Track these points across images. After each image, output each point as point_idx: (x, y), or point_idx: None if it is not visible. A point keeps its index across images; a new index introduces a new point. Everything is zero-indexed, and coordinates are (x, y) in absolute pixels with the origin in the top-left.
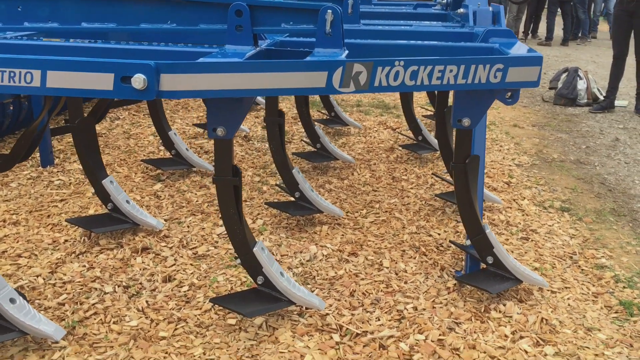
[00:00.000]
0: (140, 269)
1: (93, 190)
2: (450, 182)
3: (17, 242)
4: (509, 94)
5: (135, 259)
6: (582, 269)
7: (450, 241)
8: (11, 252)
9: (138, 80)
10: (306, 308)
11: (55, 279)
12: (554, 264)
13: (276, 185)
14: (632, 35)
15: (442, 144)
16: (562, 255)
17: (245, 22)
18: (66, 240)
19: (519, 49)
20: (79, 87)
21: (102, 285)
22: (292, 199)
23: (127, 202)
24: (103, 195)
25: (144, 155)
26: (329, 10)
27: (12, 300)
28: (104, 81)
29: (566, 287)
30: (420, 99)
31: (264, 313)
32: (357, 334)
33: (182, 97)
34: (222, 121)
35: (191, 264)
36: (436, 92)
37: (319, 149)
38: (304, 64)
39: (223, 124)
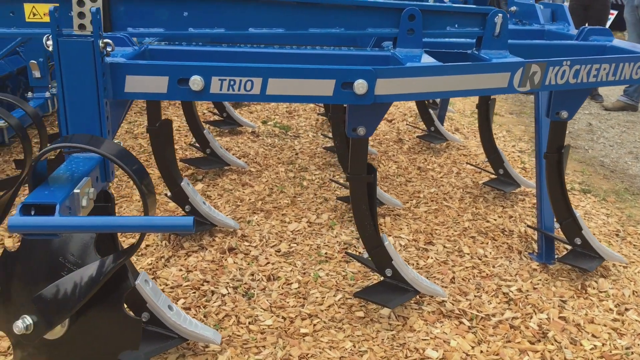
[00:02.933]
0: (237, 269)
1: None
2: (487, 170)
3: None
4: None
5: (226, 259)
6: (634, 244)
7: (528, 226)
8: None
9: (361, 86)
10: (421, 296)
11: (162, 284)
12: (609, 242)
13: (331, 180)
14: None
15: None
16: (609, 234)
17: (417, 26)
18: (148, 245)
19: (633, 46)
20: (298, 94)
21: (216, 287)
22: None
23: (204, 203)
24: (180, 197)
25: None
26: (499, 14)
27: (170, 308)
28: (324, 87)
29: (631, 262)
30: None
31: (400, 303)
32: (482, 318)
33: (392, 101)
34: (363, 122)
35: (285, 262)
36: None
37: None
38: (492, 66)
39: (364, 124)
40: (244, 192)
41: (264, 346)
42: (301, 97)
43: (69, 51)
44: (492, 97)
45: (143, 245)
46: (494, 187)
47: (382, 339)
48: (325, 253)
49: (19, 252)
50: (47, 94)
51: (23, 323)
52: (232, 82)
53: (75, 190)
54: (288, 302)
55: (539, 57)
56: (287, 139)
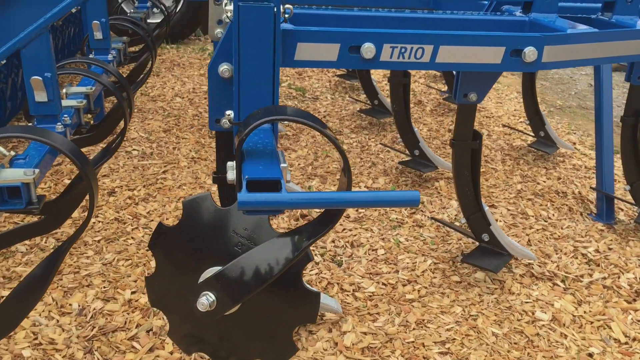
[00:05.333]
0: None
1: None
2: (521, 131)
3: None
4: None
5: None
6: None
7: (591, 187)
8: None
9: (531, 54)
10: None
11: None
12: None
13: (382, 144)
14: None
15: None
16: None
17: None
18: None
19: None
20: (466, 62)
21: None
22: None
23: None
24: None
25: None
26: None
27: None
28: (493, 55)
29: None
30: None
31: (502, 268)
32: (572, 279)
33: (555, 68)
34: (475, 88)
35: (360, 228)
36: None
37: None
38: None
39: (476, 91)
40: (289, 156)
41: (378, 313)
42: (469, 64)
43: (249, 17)
44: None
45: None
46: (538, 149)
47: (488, 303)
48: (396, 218)
49: (180, 227)
50: (110, 57)
51: (207, 300)
52: (403, 50)
53: (283, 165)
54: (381, 269)
55: None
56: (307, 101)
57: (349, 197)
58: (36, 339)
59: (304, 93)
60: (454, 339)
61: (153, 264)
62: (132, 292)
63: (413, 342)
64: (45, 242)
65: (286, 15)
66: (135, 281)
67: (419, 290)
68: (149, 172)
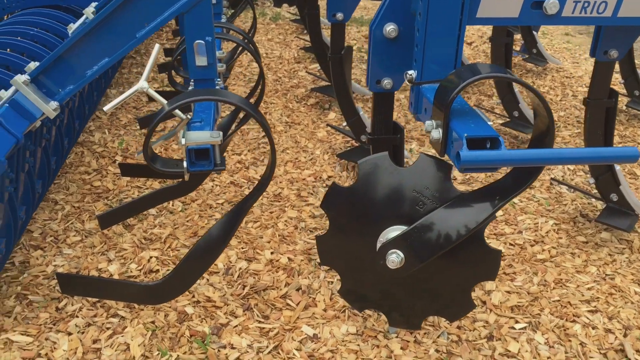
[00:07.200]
0: None
1: None
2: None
3: None
4: None
5: None
6: None
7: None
8: None
9: None
10: None
11: None
12: None
13: (475, 105)
14: None
15: None
16: None
17: None
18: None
19: None
20: None
21: None
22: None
23: None
24: (358, 126)
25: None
26: None
27: None
28: None
29: None
30: None
31: (633, 227)
32: None
33: None
34: (617, 44)
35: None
36: None
37: None
38: None
39: (617, 47)
40: None
41: (514, 273)
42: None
43: None
44: None
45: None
46: (633, 107)
47: (620, 263)
48: None
49: (357, 187)
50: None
51: (397, 257)
52: (585, 4)
53: (489, 122)
54: (503, 229)
55: None
56: None
57: (569, 154)
58: (193, 297)
59: None
60: (598, 297)
61: (280, 225)
62: (271, 253)
63: (559, 300)
64: (173, 205)
65: None
66: (269, 242)
67: (549, 251)
68: (249, 136)
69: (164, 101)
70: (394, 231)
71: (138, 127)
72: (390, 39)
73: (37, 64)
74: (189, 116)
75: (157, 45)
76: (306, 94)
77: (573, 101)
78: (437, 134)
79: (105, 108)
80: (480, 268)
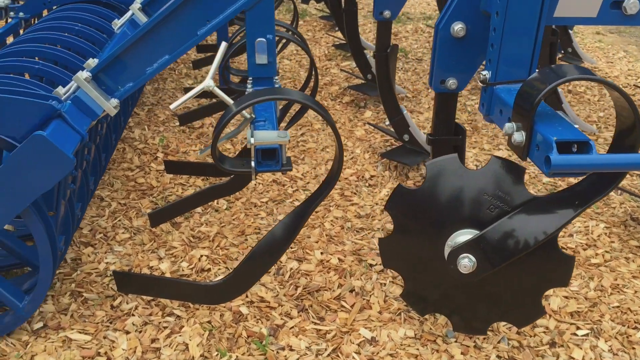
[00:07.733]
0: None
1: None
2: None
3: None
4: None
5: None
6: None
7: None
8: None
9: None
10: None
11: None
12: None
13: None
14: None
15: None
16: None
17: None
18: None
19: None
20: None
21: None
22: None
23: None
24: (401, 125)
25: None
26: None
27: None
28: None
29: None
30: None
31: None
32: None
33: None
34: None
35: None
36: None
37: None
38: None
39: None
40: (417, 119)
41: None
42: None
43: None
44: None
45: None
46: None
47: None
48: (548, 181)
49: (424, 189)
50: None
51: (469, 262)
52: None
53: (576, 126)
54: None
55: None
56: (411, 62)
57: None
58: (247, 297)
59: (407, 54)
60: None
61: (327, 225)
62: (321, 253)
63: (618, 306)
64: (217, 204)
65: None
66: (317, 242)
67: (602, 255)
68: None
69: (230, 101)
70: (463, 235)
71: (177, 123)
72: (458, 38)
73: (96, 60)
74: (253, 115)
75: (223, 43)
76: (340, 92)
77: (611, 102)
78: (519, 136)
79: (172, 106)
80: (553, 274)
